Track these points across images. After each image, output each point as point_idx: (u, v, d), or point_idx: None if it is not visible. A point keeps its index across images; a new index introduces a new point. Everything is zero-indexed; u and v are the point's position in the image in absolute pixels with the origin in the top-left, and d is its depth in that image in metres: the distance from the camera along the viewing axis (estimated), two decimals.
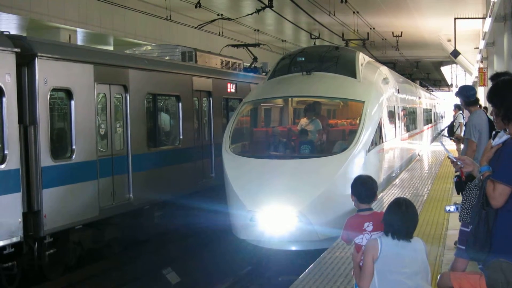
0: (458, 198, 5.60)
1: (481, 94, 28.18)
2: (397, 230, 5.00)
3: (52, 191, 11.63)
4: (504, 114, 4.84)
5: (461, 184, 5.58)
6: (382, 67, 18.62)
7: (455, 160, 5.46)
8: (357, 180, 5.72)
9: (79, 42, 25.23)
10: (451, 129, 23.51)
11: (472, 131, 9.18)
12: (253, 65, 23.27)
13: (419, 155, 26.13)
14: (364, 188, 5.63)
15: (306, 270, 8.98)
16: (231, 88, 19.74)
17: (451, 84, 74.15)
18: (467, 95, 9.67)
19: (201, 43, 27.01)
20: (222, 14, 23.32)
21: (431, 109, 38.07)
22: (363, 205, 5.62)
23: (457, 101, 10.45)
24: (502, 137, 4.85)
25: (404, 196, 5.62)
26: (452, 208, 5.60)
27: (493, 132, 5.01)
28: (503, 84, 5.04)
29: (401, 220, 5.00)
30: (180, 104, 16.71)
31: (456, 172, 5.74)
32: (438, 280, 5.43)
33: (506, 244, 4.67)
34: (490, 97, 5.00)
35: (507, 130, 4.85)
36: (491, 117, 5.28)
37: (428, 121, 33.69)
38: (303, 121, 14.45)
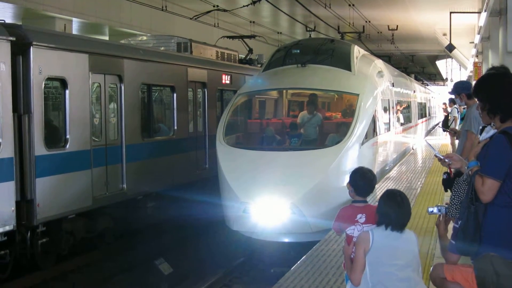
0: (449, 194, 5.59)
1: None
2: (394, 222, 5.00)
3: (46, 180, 11.62)
4: (489, 108, 4.84)
5: (449, 181, 5.59)
6: (377, 60, 18.63)
7: (442, 158, 5.48)
8: (357, 172, 5.66)
9: (74, 32, 25.14)
10: (445, 123, 23.60)
11: (472, 123, 9.20)
12: (248, 57, 23.24)
13: (413, 149, 26.18)
14: (363, 182, 5.58)
15: (298, 262, 9.00)
16: (226, 79, 19.72)
17: (446, 78, 74.16)
18: (468, 87, 9.81)
19: (197, 34, 26.89)
20: (217, 5, 23.25)
21: (425, 103, 38.10)
22: (358, 197, 5.60)
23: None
24: (489, 132, 4.86)
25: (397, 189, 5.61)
26: (435, 210, 5.59)
27: (480, 127, 5.02)
28: (488, 78, 5.02)
29: (398, 211, 5.01)
30: (175, 95, 16.69)
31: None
32: (431, 271, 5.44)
33: (495, 239, 4.69)
34: (476, 91, 4.99)
35: (494, 124, 4.86)
36: None
37: (422, 115, 33.73)
38: (305, 114, 14.41)
